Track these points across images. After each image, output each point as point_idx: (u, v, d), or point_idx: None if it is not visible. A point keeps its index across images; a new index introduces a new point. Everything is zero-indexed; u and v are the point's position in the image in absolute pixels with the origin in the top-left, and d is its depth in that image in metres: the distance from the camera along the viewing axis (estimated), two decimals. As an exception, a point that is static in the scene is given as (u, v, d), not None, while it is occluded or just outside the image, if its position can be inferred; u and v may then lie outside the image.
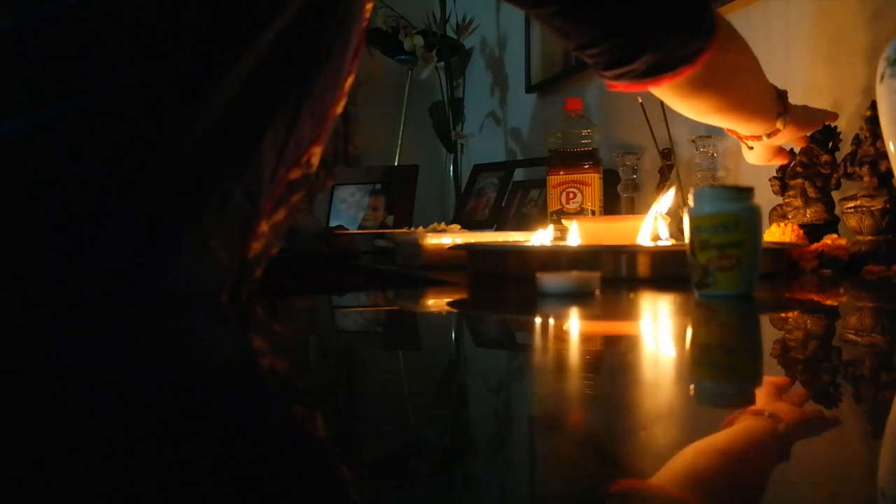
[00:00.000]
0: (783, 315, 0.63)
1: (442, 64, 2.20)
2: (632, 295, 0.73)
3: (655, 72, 0.76)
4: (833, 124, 1.03)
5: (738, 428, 0.29)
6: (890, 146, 0.82)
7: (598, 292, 0.69)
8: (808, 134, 1.00)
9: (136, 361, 0.46)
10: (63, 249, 0.60)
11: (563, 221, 1.07)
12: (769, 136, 0.94)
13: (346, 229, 1.77)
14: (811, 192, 1.02)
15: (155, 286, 0.64)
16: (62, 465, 0.26)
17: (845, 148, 1.00)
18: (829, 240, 0.92)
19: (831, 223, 1.01)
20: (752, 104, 0.89)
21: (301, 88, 0.68)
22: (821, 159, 1.02)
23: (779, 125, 0.92)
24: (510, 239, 1.16)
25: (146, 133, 0.62)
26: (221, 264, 0.67)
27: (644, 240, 0.87)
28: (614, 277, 0.81)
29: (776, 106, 0.91)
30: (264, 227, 0.71)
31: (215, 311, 0.67)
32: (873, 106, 0.87)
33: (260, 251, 0.72)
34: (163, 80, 0.62)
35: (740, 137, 0.98)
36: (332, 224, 1.88)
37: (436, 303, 0.79)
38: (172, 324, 0.61)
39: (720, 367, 0.42)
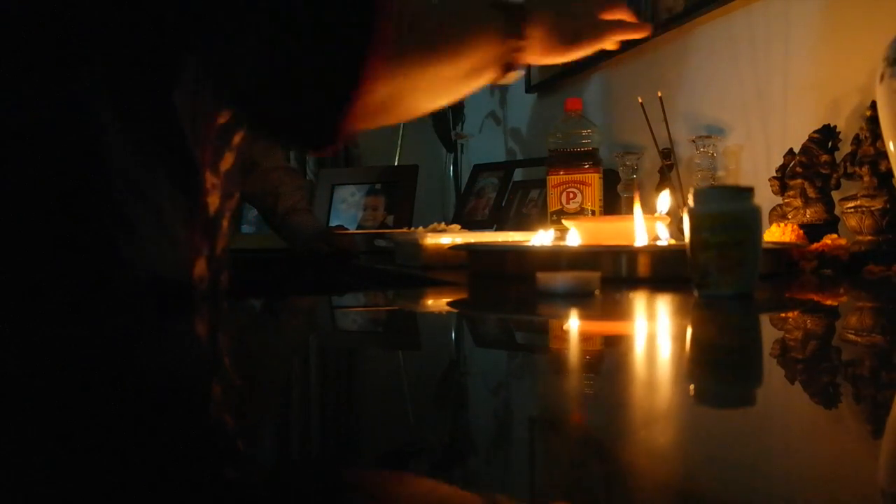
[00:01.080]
0: (783, 315, 0.63)
1: (442, 64, 2.20)
2: (632, 295, 0.73)
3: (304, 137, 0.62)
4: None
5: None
6: (890, 146, 0.82)
7: (598, 292, 0.69)
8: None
9: (135, 364, 0.46)
10: (32, 249, 0.59)
11: (563, 221, 1.06)
12: (499, 78, 0.70)
13: (346, 229, 1.77)
14: (811, 192, 1.02)
15: (121, 268, 0.62)
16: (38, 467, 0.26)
17: (845, 148, 1.00)
18: (829, 240, 0.92)
19: (831, 223, 1.01)
20: (462, 70, 0.67)
21: (200, 29, 0.61)
22: (820, 159, 1.02)
23: (493, 73, 0.69)
24: (510, 239, 1.16)
25: (81, 123, 0.60)
26: (178, 237, 0.66)
27: (643, 240, 0.87)
28: (614, 277, 0.81)
29: (496, 45, 0.68)
30: (212, 178, 0.69)
31: (213, 310, 0.67)
32: (873, 106, 0.87)
33: (220, 204, 0.71)
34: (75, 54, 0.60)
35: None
36: (332, 224, 1.88)
37: (436, 303, 0.79)
38: (171, 325, 0.61)
39: (720, 367, 0.42)
